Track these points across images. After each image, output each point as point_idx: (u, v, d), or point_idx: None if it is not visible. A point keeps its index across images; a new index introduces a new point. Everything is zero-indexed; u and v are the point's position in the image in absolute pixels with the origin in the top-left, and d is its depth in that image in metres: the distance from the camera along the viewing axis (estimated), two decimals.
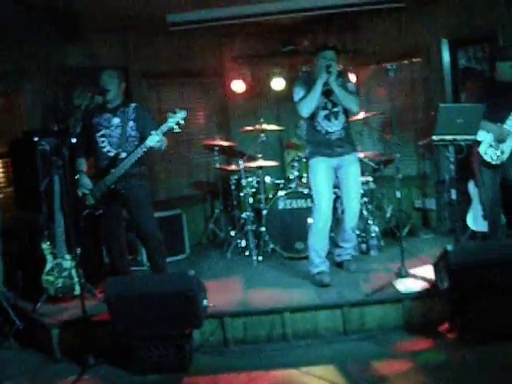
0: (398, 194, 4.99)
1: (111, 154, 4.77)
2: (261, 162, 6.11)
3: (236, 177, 6.35)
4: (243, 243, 6.21)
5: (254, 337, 4.45)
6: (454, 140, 4.60)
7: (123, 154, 4.72)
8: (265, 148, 6.33)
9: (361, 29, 6.90)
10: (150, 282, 4.14)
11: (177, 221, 6.25)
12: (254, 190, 6.24)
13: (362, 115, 6.04)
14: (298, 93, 4.91)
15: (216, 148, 6.51)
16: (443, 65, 6.36)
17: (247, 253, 6.03)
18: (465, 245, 5.09)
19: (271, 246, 5.90)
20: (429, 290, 4.48)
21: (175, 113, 4.57)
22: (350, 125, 5.10)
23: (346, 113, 5.01)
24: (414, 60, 6.62)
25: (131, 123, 4.80)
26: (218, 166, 6.55)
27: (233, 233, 6.47)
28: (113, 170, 4.70)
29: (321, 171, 4.95)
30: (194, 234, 6.82)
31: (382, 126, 6.71)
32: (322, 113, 4.94)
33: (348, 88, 4.93)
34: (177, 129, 4.59)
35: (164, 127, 4.56)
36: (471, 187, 5.60)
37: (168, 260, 5.73)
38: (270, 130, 6.27)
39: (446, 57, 6.32)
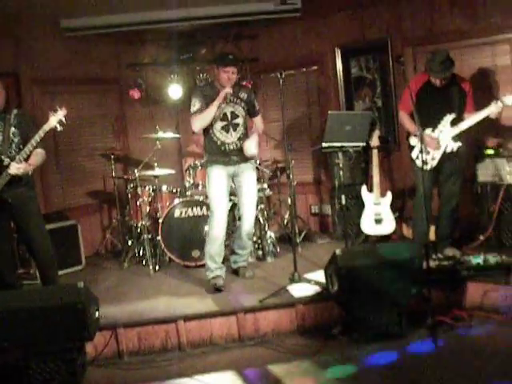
0: (289, 201, 5.08)
1: None
2: (157, 171, 6.05)
3: (132, 185, 6.25)
4: (141, 253, 6.12)
5: (149, 347, 4.40)
6: (342, 147, 4.75)
7: (7, 161, 4.54)
8: (163, 156, 6.28)
9: (258, 37, 7.00)
10: (37, 295, 3.98)
11: (71, 231, 6.05)
12: (150, 198, 6.16)
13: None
14: (194, 104, 4.92)
15: (112, 156, 6.39)
16: (337, 73, 6.57)
17: (144, 262, 5.95)
18: (352, 249, 5.26)
19: (168, 254, 5.85)
20: (321, 293, 4.60)
21: (56, 111, 4.55)
22: (247, 134, 5.14)
23: (246, 123, 5.09)
24: (309, 69, 6.79)
25: (13, 129, 4.62)
26: (114, 174, 6.42)
27: (129, 242, 6.35)
28: None
29: (217, 178, 4.98)
30: (91, 244, 6.66)
31: (278, 133, 6.83)
32: (219, 124, 4.98)
33: (250, 109, 5.09)
34: (59, 128, 4.57)
35: (41, 132, 4.48)
36: (364, 192, 5.78)
37: (63, 272, 5.64)
38: (166, 138, 6.21)
39: (339, 66, 6.53)
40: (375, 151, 5.74)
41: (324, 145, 4.75)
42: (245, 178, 5.09)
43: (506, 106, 4.85)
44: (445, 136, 5.07)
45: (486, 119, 4.93)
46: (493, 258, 4.68)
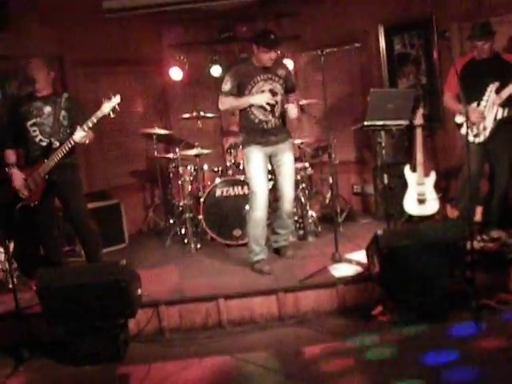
0: (331, 180, 5.02)
1: (44, 144, 4.71)
2: (198, 150, 6.07)
3: (174, 165, 6.30)
4: (183, 231, 6.17)
5: (190, 324, 4.47)
6: (385, 125, 4.66)
7: (56, 144, 4.66)
8: (204, 135, 6.30)
9: (298, 15, 6.90)
10: (82, 273, 4.09)
11: (115, 210, 6.17)
12: (191, 177, 6.19)
13: (300, 102, 6.05)
14: (226, 83, 4.88)
15: (154, 136, 6.44)
16: (380, 51, 6.44)
17: (186, 241, 6.01)
18: (394, 229, 5.18)
19: (210, 233, 5.89)
20: (362, 274, 4.57)
21: (110, 98, 4.59)
22: (284, 112, 5.06)
23: (283, 101, 4.99)
24: (351, 46, 6.65)
25: (63, 112, 4.74)
26: (156, 154, 6.47)
27: (171, 221, 6.42)
28: (46, 160, 4.63)
29: (256, 160, 4.92)
30: (134, 223, 6.75)
31: (320, 112, 6.75)
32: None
33: (289, 86, 5.00)
34: (112, 114, 4.61)
35: (94, 118, 4.56)
36: (407, 172, 5.69)
37: (107, 250, 5.75)
38: (207, 117, 6.22)
39: (382, 43, 6.40)
40: (419, 130, 5.62)
41: (366, 123, 4.66)
42: (283, 158, 5.03)
43: None
44: (490, 105, 4.95)
45: None
46: None
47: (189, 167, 6.16)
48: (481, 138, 5.01)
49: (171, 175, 6.38)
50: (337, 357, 3.82)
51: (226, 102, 4.89)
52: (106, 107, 4.57)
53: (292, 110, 4.90)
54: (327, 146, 6.23)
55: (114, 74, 6.62)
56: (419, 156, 5.61)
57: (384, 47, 6.42)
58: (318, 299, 4.48)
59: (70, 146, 4.60)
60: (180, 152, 6.01)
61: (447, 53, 5.35)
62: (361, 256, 4.83)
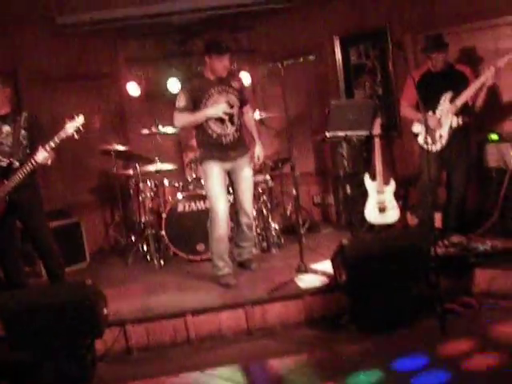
0: (294, 191, 5.05)
1: (3, 164, 4.59)
2: (158, 166, 6.02)
3: (134, 181, 6.23)
4: (145, 248, 6.09)
5: (158, 342, 4.39)
6: (346, 136, 4.73)
7: (16, 164, 4.55)
8: (162, 151, 6.25)
9: (255, 28, 6.96)
10: (46, 293, 4.00)
11: (75, 229, 6.05)
12: (152, 193, 6.13)
13: (258, 116, 6.08)
14: (180, 100, 4.83)
15: (113, 152, 6.34)
16: (336, 62, 6.54)
17: (149, 257, 5.94)
18: (359, 238, 5.24)
19: (172, 249, 5.83)
20: (328, 284, 4.59)
21: (73, 118, 4.51)
22: (242, 125, 5.06)
23: (238, 114, 4.98)
24: (307, 58, 6.72)
25: (23, 132, 4.63)
26: (114, 170, 6.38)
27: (133, 238, 6.34)
28: (6, 181, 4.53)
29: (215, 176, 4.85)
30: (94, 241, 6.63)
31: (279, 124, 6.80)
32: (213, 117, 4.83)
33: (243, 98, 5.02)
34: (76, 135, 4.54)
35: (56, 139, 4.48)
36: (367, 180, 5.76)
37: (68, 269, 5.60)
38: (166, 134, 6.17)
39: (338, 54, 6.50)
40: (377, 139, 5.71)
41: (328, 134, 4.72)
42: (242, 173, 5.00)
43: (498, 67, 4.88)
44: (445, 113, 5.10)
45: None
46: (500, 244, 4.68)
47: (149, 183, 6.09)
48: (437, 146, 5.15)
49: (131, 192, 6.30)
50: (306, 369, 3.79)
51: (181, 119, 4.84)
52: (70, 127, 4.48)
53: (260, 154, 5.01)
54: (287, 158, 6.32)
55: (71, 89, 6.52)
56: (378, 165, 5.70)
57: (340, 58, 6.51)
58: (285, 311, 4.47)
59: (31, 166, 4.50)
60: (140, 168, 5.94)
61: (402, 63, 5.52)
62: (326, 266, 4.85)
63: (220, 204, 4.82)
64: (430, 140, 5.02)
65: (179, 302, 4.68)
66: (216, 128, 4.84)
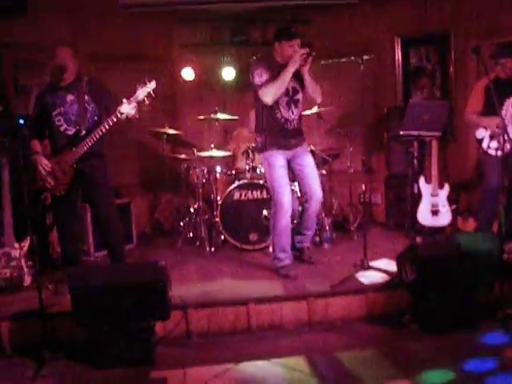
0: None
1: (70, 133, 4.55)
2: (213, 152, 6.01)
3: (185, 165, 6.21)
4: (194, 233, 6.09)
5: (218, 329, 4.36)
6: (419, 135, 4.73)
7: (83, 131, 4.51)
8: (210, 138, 6.23)
9: (313, 23, 6.91)
10: (118, 272, 3.95)
11: (125, 209, 6.03)
12: (204, 180, 6.12)
13: (315, 109, 6.07)
14: (261, 75, 4.66)
15: (164, 136, 6.34)
16: (396, 63, 6.52)
17: (197, 243, 5.93)
18: (432, 239, 5.23)
19: (224, 236, 5.83)
20: (391, 281, 4.59)
21: (145, 84, 4.46)
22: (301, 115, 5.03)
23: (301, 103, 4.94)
24: (365, 57, 6.70)
25: (86, 97, 4.59)
26: (166, 153, 6.36)
27: (181, 223, 6.31)
28: (74, 149, 4.48)
29: (279, 166, 4.78)
30: (138, 223, 6.61)
31: (332, 119, 6.79)
32: (284, 99, 4.78)
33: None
34: (146, 101, 4.49)
35: (138, 95, 4.43)
36: (422, 183, 5.76)
37: None
38: (223, 119, 6.16)
39: (398, 55, 6.48)
40: (435, 142, 5.71)
41: (402, 132, 4.72)
42: (304, 159, 4.93)
43: None
44: (509, 118, 5.06)
45: None
46: None
47: (201, 169, 6.08)
48: (502, 151, 5.09)
49: (181, 176, 6.28)
50: (370, 365, 3.78)
51: (272, 90, 4.62)
52: (140, 93, 4.43)
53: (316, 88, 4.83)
54: (338, 153, 6.33)
55: (125, 69, 6.48)
56: (434, 168, 5.70)
57: (400, 59, 6.49)
58: (347, 306, 4.46)
59: (114, 121, 4.42)
60: (196, 153, 5.93)
61: (463, 69, 5.51)
62: (384, 264, 4.90)
63: (285, 196, 4.75)
64: (495, 145, 5.00)
65: (239, 289, 4.66)
66: (284, 112, 4.79)
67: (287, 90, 4.76)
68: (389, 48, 6.54)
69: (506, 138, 5.05)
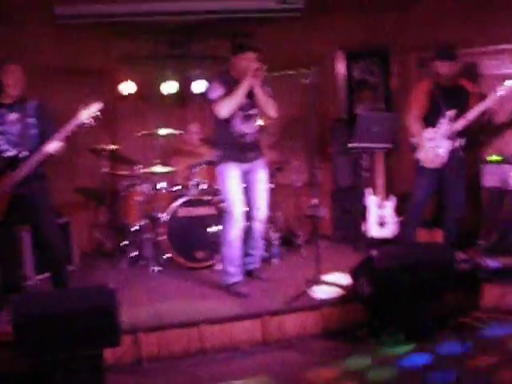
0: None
1: (10, 154, 4.30)
2: (156, 168, 5.82)
3: (127, 182, 5.99)
4: (137, 253, 5.87)
5: (169, 353, 4.16)
6: (367, 148, 4.72)
7: (24, 154, 4.26)
8: (154, 153, 6.05)
9: (255, 35, 6.83)
10: (64, 299, 3.70)
11: (64, 230, 5.72)
12: (145, 197, 5.89)
13: (259, 122, 5.97)
14: (216, 90, 4.67)
15: (104, 152, 6.09)
16: (338, 75, 6.52)
17: (142, 263, 5.72)
18: (386, 250, 5.19)
19: (169, 255, 5.63)
20: (345, 295, 4.54)
21: (88, 105, 4.34)
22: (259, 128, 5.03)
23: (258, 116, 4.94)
24: (308, 70, 6.70)
25: (31, 120, 4.36)
26: (105, 170, 6.10)
27: (124, 242, 6.06)
28: (13, 172, 4.22)
29: (233, 178, 4.78)
30: (78, 243, 6.29)
31: (276, 133, 6.74)
32: (240, 113, 4.77)
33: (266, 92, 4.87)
34: (90, 122, 4.36)
35: (69, 127, 4.28)
36: (369, 195, 5.75)
37: None
38: (166, 135, 5.98)
39: (341, 68, 6.50)
40: (380, 154, 5.73)
41: (350, 145, 4.70)
42: (258, 175, 4.93)
43: (500, 95, 4.89)
44: (445, 132, 5.07)
45: None
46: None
47: (143, 186, 5.87)
48: (435, 164, 5.14)
49: (122, 194, 6.05)
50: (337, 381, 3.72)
51: (227, 105, 4.62)
52: (84, 114, 4.27)
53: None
54: (282, 167, 6.27)
55: (62, 83, 6.24)
56: (380, 180, 5.72)
57: (342, 72, 6.52)
58: (303, 322, 4.38)
59: (42, 157, 4.23)
60: (138, 169, 5.72)
61: (404, 82, 5.57)
62: (336, 278, 4.84)
63: (237, 207, 4.73)
64: (429, 156, 5.03)
65: (191, 310, 4.49)
66: (241, 126, 4.78)
67: (242, 104, 4.74)
68: (332, 61, 6.54)
69: (436, 152, 5.12)
